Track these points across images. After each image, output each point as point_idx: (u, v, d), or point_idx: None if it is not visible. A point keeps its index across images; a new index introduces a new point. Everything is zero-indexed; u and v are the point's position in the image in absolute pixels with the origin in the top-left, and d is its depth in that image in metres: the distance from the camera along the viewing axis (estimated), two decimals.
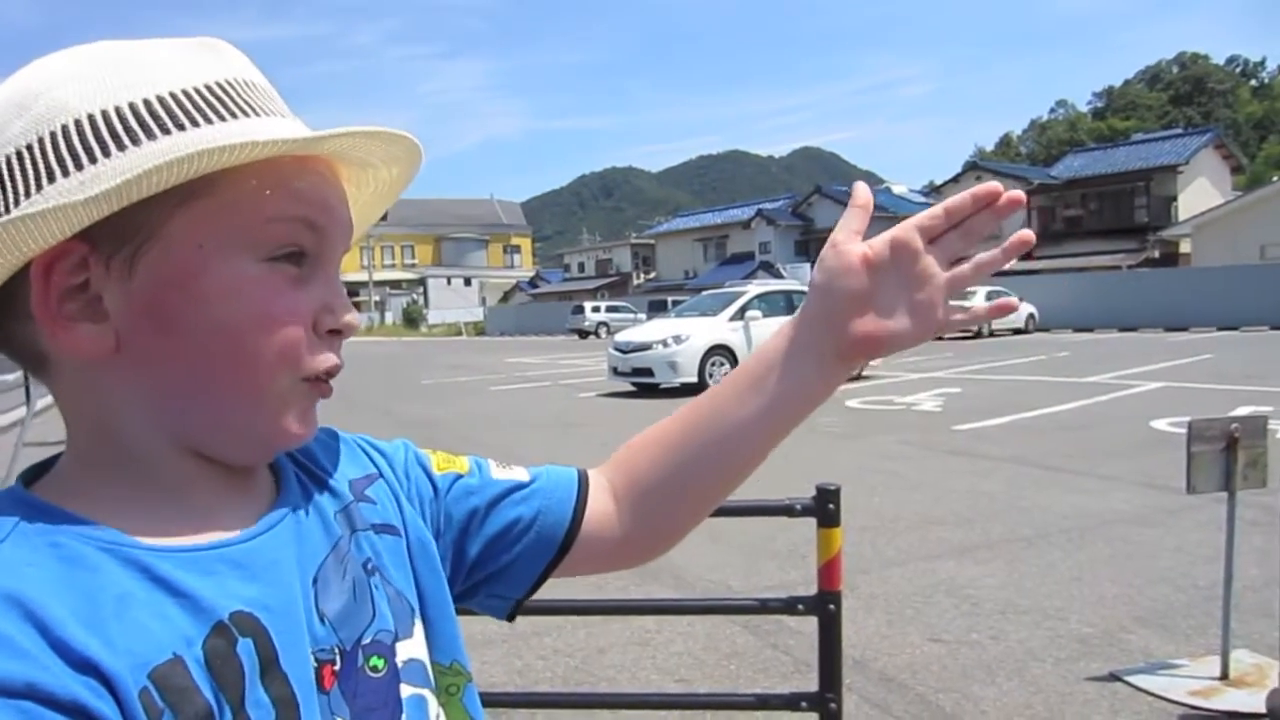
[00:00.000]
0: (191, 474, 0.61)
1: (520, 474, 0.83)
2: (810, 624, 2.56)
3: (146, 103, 0.57)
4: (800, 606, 2.52)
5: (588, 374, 18.61)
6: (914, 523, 5.83)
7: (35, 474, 0.62)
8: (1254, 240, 31.19)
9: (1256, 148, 69.19)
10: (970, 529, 5.63)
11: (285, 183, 0.59)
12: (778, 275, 40.73)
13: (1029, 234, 0.73)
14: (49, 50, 0.60)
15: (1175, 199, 38.24)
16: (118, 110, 0.56)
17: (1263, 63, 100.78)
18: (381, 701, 0.64)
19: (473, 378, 19.50)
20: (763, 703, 2.72)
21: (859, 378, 14.49)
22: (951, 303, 0.74)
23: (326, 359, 0.63)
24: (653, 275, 60.92)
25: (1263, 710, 3.09)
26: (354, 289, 64.81)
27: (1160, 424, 9.17)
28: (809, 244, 49.82)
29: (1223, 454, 3.32)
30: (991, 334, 27.52)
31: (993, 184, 0.71)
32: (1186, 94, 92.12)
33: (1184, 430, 3.40)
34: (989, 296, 28.59)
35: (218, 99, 0.59)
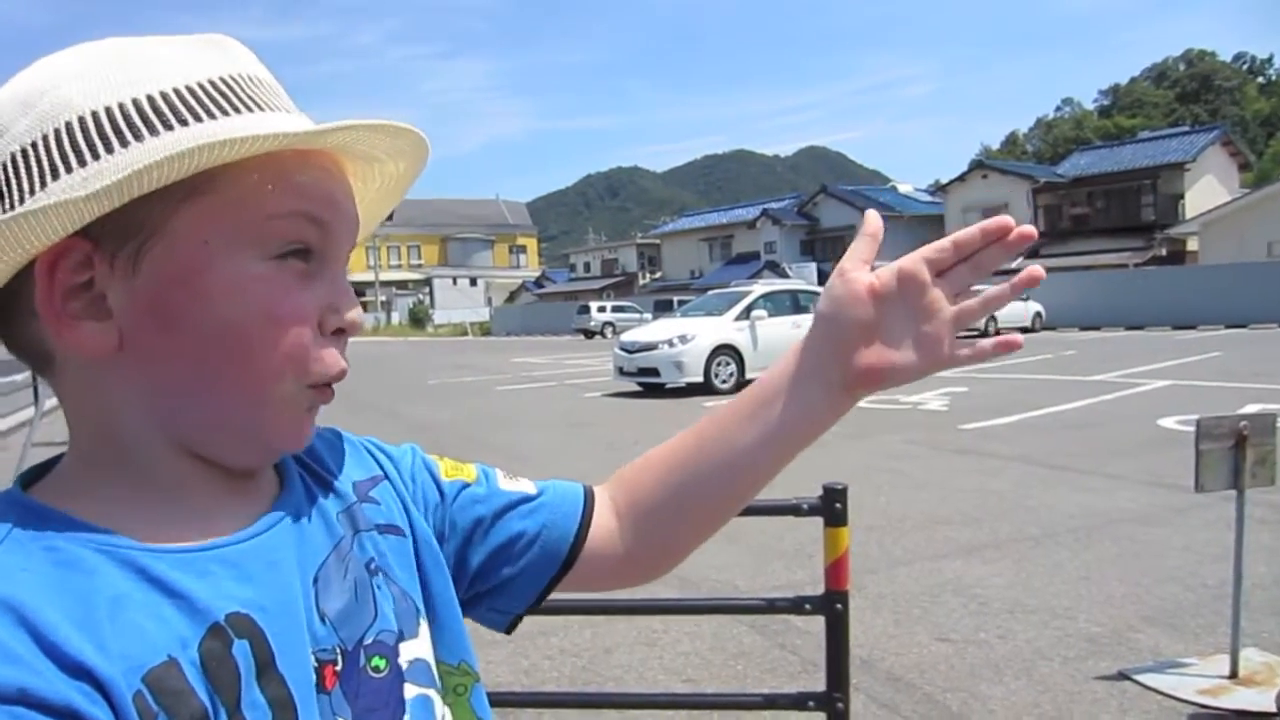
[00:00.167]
0: (191, 475, 0.61)
1: (527, 486, 0.83)
2: (817, 623, 2.55)
3: (150, 99, 0.57)
4: (807, 606, 2.51)
5: (593, 374, 18.61)
6: (921, 522, 5.82)
7: (36, 475, 0.62)
8: (1261, 237, 31.10)
9: (1264, 145, 68.86)
10: (977, 528, 5.62)
11: (288, 178, 0.59)
12: (783, 275, 40.81)
13: (1039, 270, 0.71)
14: (55, 50, 0.60)
15: (1182, 197, 38.11)
16: (121, 107, 0.56)
17: (1270, 60, 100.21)
18: (383, 702, 0.63)
19: (479, 378, 19.51)
20: (770, 702, 2.72)
21: None
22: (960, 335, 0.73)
23: (334, 364, 0.62)
24: (658, 275, 60.95)
25: (1272, 709, 3.08)
26: (360, 289, 64.92)
27: (1168, 422, 9.15)
28: (814, 243, 49.80)
29: (1231, 452, 3.31)
30: (998, 332, 27.34)
31: (1003, 218, 0.70)
32: (1193, 91, 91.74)
33: (1192, 428, 3.39)
34: None
35: (221, 94, 0.59)
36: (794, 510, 2.48)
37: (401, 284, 71.20)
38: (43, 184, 0.55)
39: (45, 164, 0.55)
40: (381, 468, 0.76)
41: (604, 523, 0.83)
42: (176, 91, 0.57)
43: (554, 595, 0.83)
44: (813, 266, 43.07)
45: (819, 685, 2.53)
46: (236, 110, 0.59)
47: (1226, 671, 3.40)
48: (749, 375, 14.05)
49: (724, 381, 13.86)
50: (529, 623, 0.87)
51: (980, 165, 47.30)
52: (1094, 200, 40.44)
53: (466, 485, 0.80)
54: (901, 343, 0.73)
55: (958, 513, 6.01)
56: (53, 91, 0.57)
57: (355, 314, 0.63)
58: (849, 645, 2.48)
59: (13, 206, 0.55)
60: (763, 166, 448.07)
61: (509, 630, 0.84)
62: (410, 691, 0.66)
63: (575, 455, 9.01)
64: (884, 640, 3.93)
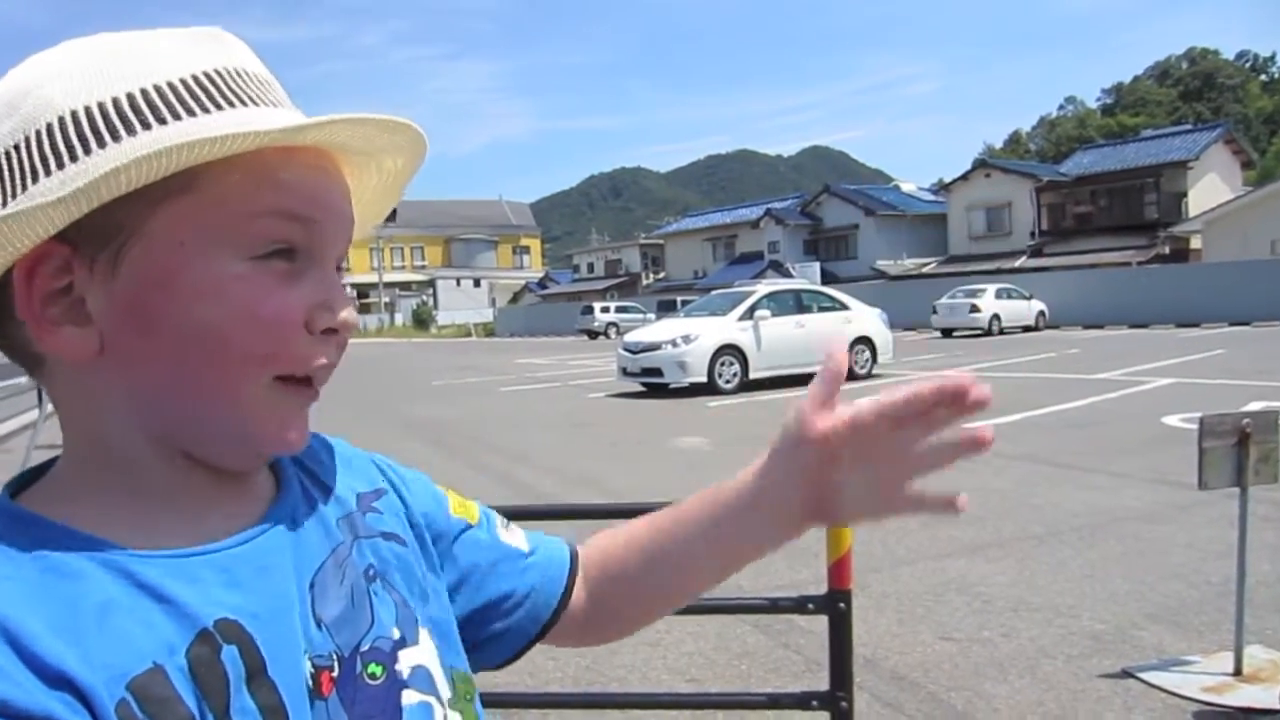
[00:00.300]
0: (181, 478, 0.60)
1: (520, 541, 0.84)
2: (821, 623, 2.55)
3: (130, 97, 0.55)
4: (811, 605, 2.51)
5: (597, 374, 18.60)
6: (924, 521, 5.80)
7: (28, 480, 0.62)
8: (1265, 235, 31.02)
9: (1267, 143, 68.67)
10: (981, 527, 5.61)
11: (271, 175, 0.57)
12: (787, 274, 40.75)
13: (989, 432, 0.70)
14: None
15: (1185, 195, 38.05)
16: (100, 106, 0.55)
17: (1273, 58, 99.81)
18: (380, 709, 0.63)
19: (483, 378, 19.52)
20: (774, 702, 2.72)
21: (868, 376, 14.46)
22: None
23: (311, 358, 0.60)
24: (662, 275, 60.91)
25: (1277, 706, 3.08)
26: (364, 290, 65.01)
27: (1172, 420, 9.13)
28: (818, 243, 49.78)
29: (1234, 449, 3.31)
30: (1001, 331, 27.43)
31: (960, 380, 0.67)
32: (1196, 90, 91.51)
33: (1195, 426, 3.38)
34: (998, 294, 28.55)
35: (204, 90, 0.57)
36: None
37: (405, 285, 71.23)
38: (24, 187, 0.54)
39: (26, 167, 0.55)
40: (390, 482, 0.76)
41: (578, 589, 0.85)
42: (158, 88, 0.56)
43: None
44: (816, 266, 43.05)
45: (823, 685, 2.53)
46: (219, 106, 0.57)
47: (1231, 669, 3.40)
48: (753, 375, 14.06)
49: (727, 381, 13.84)
50: None
51: (983, 164, 47.27)
52: (1097, 199, 40.37)
53: (470, 526, 0.80)
54: (852, 486, 0.73)
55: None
56: (36, 91, 0.56)
57: (348, 313, 0.62)
58: (852, 644, 2.48)
59: None
60: (766, 166, 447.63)
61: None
62: (410, 698, 0.65)
63: (578, 454, 9.01)
64: (888, 639, 3.93)
